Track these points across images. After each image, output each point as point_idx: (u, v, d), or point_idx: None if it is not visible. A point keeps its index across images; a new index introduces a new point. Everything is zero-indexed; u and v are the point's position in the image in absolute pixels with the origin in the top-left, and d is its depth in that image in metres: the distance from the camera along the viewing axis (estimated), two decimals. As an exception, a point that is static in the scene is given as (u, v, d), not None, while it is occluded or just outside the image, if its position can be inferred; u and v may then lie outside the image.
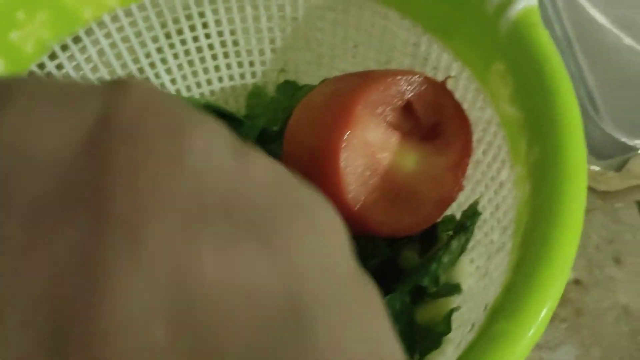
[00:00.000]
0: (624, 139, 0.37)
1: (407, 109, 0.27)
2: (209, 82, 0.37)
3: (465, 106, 0.29)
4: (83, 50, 0.32)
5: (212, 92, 0.37)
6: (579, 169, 0.22)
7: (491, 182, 0.29)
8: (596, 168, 0.39)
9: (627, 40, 0.42)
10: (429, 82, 0.28)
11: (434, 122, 0.28)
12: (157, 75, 0.35)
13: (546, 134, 0.23)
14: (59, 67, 0.31)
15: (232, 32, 0.35)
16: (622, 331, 0.36)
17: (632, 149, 0.37)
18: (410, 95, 0.27)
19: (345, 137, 0.25)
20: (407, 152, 0.27)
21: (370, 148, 0.26)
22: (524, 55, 0.25)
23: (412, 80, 0.27)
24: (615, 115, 0.38)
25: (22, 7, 0.29)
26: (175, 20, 0.34)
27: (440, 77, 0.31)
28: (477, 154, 0.30)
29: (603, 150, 0.38)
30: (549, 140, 0.23)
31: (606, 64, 0.40)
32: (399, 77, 0.27)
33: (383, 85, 0.26)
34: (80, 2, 0.30)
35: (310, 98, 0.30)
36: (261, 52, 0.36)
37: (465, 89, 0.30)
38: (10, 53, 0.29)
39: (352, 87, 0.26)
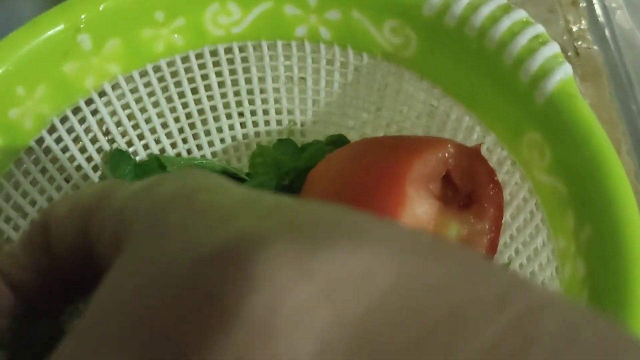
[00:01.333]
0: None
1: (446, 178, 0.26)
2: (210, 143, 0.35)
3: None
4: (82, 120, 0.30)
5: (214, 154, 0.35)
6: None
7: (523, 248, 0.28)
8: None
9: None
10: (464, 149, 0.27)
11: (470, 189, 0.27)
12: (157, 141, 0.33)
13: (599, 212, 0.22)
14: (58, 140, 0.29)
15: (236, 93, 0.33)
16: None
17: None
18: (449, 165, 0.26)
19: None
20: (450, 221, 0.26)
21: (419, 222, 0.25)
22: (564, 127, 0.24)
23: (450, 150, 0.26)
24: None
25: (22, 82, 0.26)
26: (177, 84, 0.32)
27: (460, 138, 0.30)
28: (504, 217, 0.29)
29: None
30: (603, 220, 0.22)
31: None
32: (438, 148, 0.26)
33: (425, 159, 0.25)
34: (81, 72, 0.28)
35: (334, 168, 0.28)
36: (265, 112, 0.34)
37: (489, 152, 0.29)
38: (9, 130, 0.27)
39: (392, 162, 0.25)
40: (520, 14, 0.26)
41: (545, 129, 0.25)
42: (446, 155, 0.26)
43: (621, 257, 0.21)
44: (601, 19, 0.42)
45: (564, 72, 0.24)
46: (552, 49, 0.25)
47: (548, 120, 0.25)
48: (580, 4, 0.42)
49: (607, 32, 0.41)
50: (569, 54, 0.40)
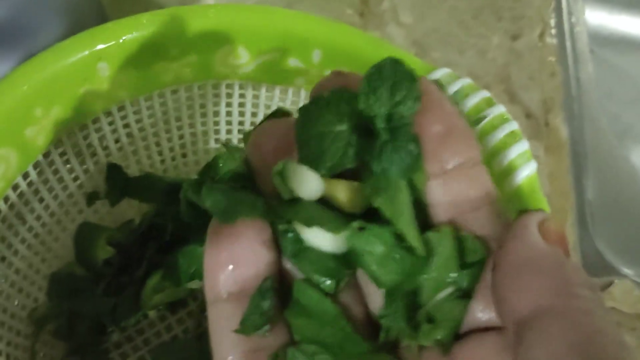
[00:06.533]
0: (612, 262, 0.43)
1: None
2: (196, 163, 0.39)
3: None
4: (86, 137, 0.34)
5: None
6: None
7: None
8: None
9: (634, 171, 0.49)
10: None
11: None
12: (148, 157, 0.37)
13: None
14: (62, 153, 0.33)
15: (228, 123, 0.38)
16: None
17: (618, 273, 0.44)
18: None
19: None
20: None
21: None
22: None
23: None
24: (610, 238, 0.44)
25: (40, 103, 0.30)
26: (176, 110, 0.36)
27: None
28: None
29: (593, 267, 0.44)
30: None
31: (613, 188, 0.47)
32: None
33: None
34: (95, 96, 0.32)
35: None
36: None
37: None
38: (24, 147, 0.30)
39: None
40: (500, 110, 0.31)
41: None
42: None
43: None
44: (573, 92, 0.48)
45: (530, 169, 0.30)
46: (523, 146, 0.30)
47: (511, 207, 0.30)
48: (558, 76, 0.48)
49: (575, 108, 0.47)
50: (540, 123, 0.46)
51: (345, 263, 0.20)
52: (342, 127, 0.20)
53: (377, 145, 0.20)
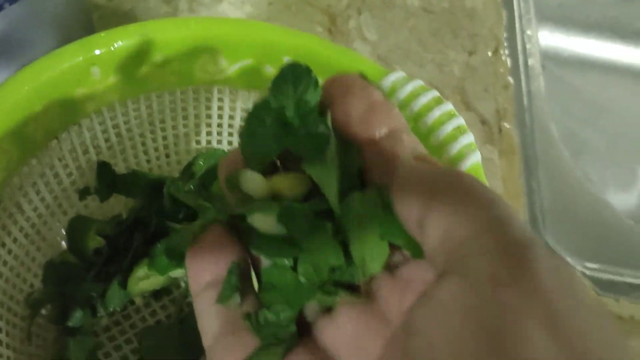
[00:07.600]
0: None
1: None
2: (178, 162, 0.43)
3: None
4: (79, 135, 0.37)
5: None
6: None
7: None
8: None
9: (581, 176, 0.53)
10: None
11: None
12: (135, 156, 0.41)
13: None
14: (58, 150, 0.37)
15: (208, 125, 0.42)
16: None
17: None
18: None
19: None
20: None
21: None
22: (469, 200, 0.33)
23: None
24: (560, 236, 0.49)
25: (40, 103, 0.34)
26: (160, 112, 0.40)
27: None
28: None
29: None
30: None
31: (562, 190, 0.51)
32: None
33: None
34: (87, 97, 0.36)
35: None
36: (230, 144, 0.43)
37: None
38: (24, 142, 0.34)
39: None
40: (449, 107, 0.35)
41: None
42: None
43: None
44: (525, 103, 0.52)
45: (475, 158, 0.34)
46: (469, 138, 0.34)
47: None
48: (510, 88, 0.52)
49: (526, 117, 0.51)
50: (494, 130, 0.50)
51: (294, 243, 0.24)
52: (266, 127, 0.24)
53: (292, 132, 0.23)
